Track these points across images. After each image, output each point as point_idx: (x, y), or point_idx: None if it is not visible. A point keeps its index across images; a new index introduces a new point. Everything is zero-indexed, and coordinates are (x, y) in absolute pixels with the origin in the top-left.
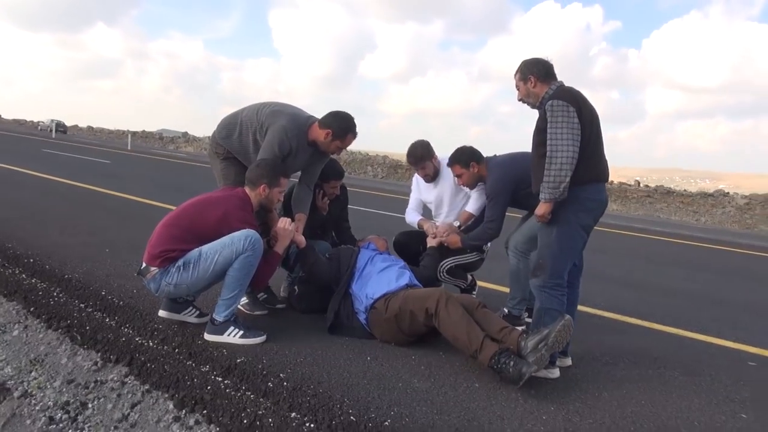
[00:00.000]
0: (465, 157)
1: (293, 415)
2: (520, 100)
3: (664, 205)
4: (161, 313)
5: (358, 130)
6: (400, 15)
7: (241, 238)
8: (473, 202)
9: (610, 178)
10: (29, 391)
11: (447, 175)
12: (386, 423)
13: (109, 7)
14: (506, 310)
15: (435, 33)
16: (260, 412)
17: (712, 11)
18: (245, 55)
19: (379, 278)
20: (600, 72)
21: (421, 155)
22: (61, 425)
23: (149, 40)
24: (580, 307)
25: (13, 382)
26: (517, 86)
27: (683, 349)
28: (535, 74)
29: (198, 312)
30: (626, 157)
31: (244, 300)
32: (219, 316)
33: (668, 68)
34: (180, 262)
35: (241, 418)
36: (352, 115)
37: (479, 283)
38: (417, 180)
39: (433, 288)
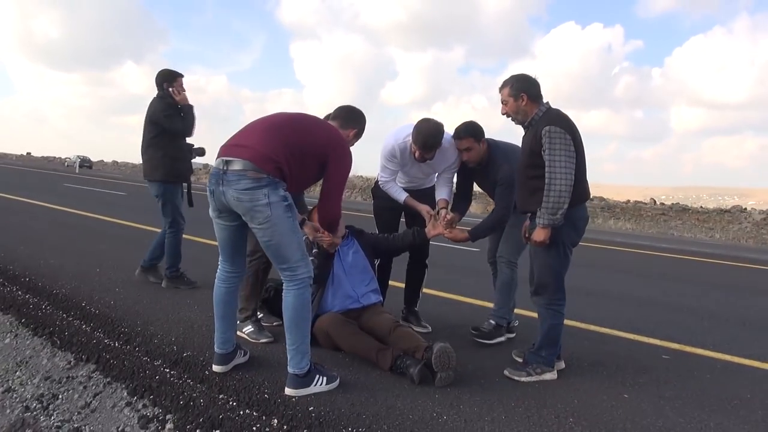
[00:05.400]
0: (478, 132)
1: (221, 396)
2: (505, 114)
3: (679, 223)
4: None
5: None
6: (421, 43)
7: (308, 266)
8: (446, 188)
9: (628, 198)
10: (12, 387)
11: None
12: (294, 399)
13: (139, 46)
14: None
15: (455, 59)
16: (194, 395)
17: (736, 27)
18: (267, 86)
19: (337, 299)
20: (622, 91)
21: (435, 144)
22: (35, 413)
23: None
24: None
25: None
26: (504, 101)
27: (607, 345)
28: (527, 93)
29: (244, 351)
30: (651, 177)
31: (249, 328)
32: (300, 369)
33: (692, 85)
34: (290, 198)
35: (179, 400)
36: None
37: (468, 300)
38: (397, 153)
39: (331, 316)
